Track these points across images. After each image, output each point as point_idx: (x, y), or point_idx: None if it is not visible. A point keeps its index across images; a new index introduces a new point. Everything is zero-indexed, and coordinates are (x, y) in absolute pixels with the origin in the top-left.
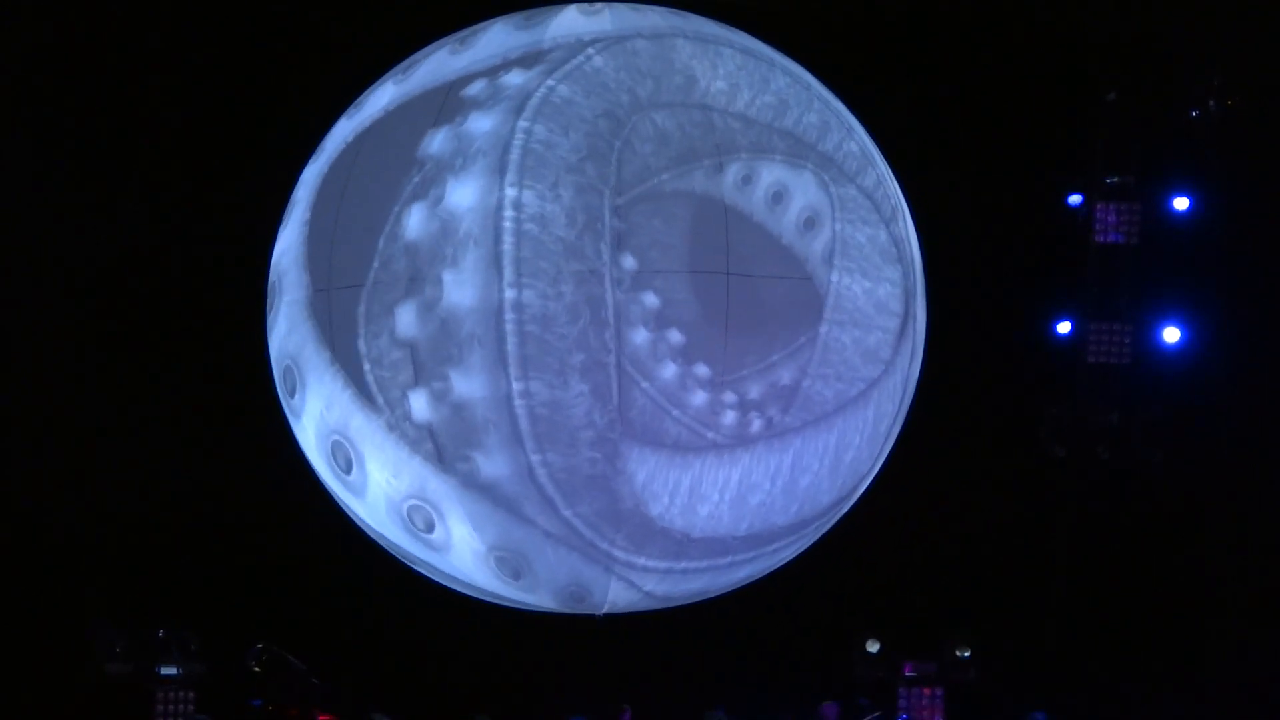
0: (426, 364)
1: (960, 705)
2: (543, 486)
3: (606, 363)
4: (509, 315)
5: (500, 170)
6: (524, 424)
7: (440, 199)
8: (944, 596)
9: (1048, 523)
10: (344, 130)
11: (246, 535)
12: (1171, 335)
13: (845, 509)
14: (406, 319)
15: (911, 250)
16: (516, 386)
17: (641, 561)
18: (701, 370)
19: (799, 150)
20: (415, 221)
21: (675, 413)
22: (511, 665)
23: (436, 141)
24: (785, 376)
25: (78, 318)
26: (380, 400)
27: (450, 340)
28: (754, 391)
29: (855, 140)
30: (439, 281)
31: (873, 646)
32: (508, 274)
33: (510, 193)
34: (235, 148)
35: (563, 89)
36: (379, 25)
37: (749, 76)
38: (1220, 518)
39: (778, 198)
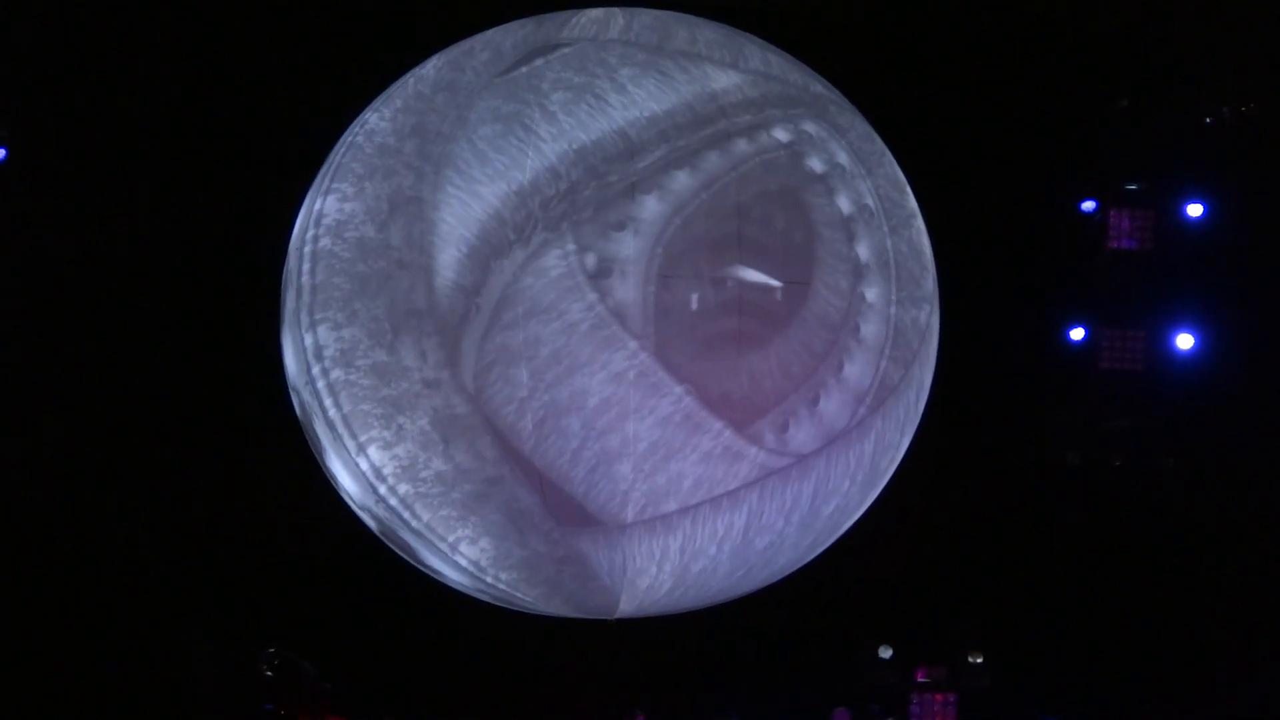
0: None
1: (973, 712)
2: None
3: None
4: None
5: None
6: None
7: None
8: (957, 603)
9: (1061, 529)
10: None
11: (258, 539)
12: (1185, 341)
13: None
14: None
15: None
16: None
17: None
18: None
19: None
20: None
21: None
22: (523, 670)
23: None
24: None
25: (87, 316)
26: None
27: None
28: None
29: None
30: None
31: (885, 652)
32: None
33: None
34: (244, 150)
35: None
36: (389, 27)
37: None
38: (1234, 524)
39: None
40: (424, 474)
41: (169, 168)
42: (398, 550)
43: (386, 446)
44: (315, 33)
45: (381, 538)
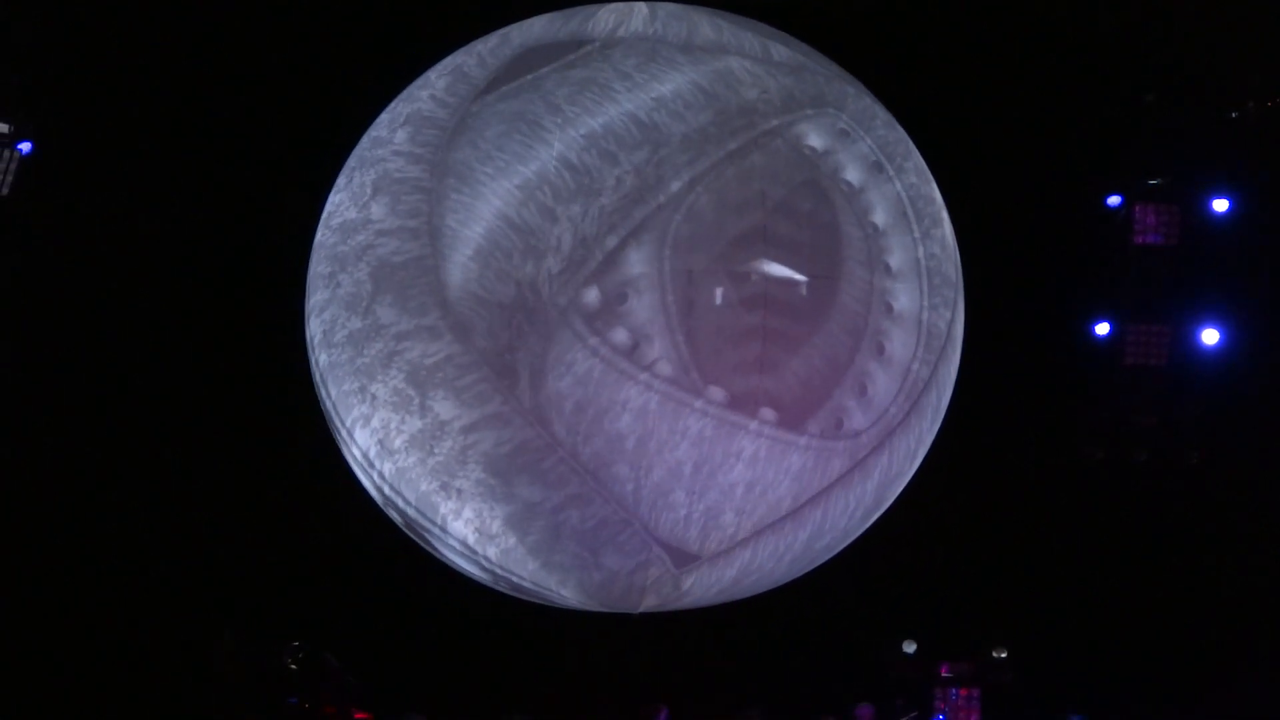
0: None
1: (997, 706)
2: None
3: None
4: None
5: None
6: None
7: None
8: (981, 597)
9: (1085, 524)
10: None
11: (284, 533)
12: (1210, 337)
13: None
14: None
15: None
16: None
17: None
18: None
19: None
20: None
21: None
22: (547, 664)
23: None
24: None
25: (112, 310)
26: None
27: None
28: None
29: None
30: None
31: (909, 647)
32: None
33: None
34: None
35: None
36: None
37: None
38: (1259, 520)
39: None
40: (398, 441)
41: (209, 166)
42: (423, 545)
43: (365, 423)
44: (360, 43)
45: (408, 532)
